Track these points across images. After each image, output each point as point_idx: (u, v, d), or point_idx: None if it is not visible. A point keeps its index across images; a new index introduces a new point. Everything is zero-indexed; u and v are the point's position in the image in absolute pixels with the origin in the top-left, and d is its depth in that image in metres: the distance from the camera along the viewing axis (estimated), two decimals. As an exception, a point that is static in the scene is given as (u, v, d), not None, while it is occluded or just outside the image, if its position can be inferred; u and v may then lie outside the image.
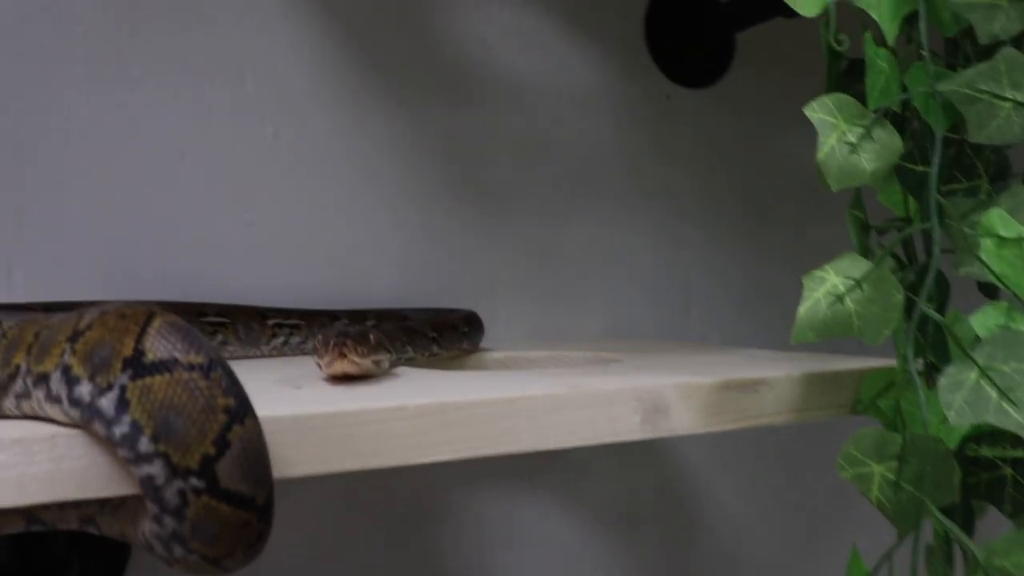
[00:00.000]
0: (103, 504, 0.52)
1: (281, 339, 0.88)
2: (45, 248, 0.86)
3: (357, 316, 0.92)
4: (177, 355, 0.44)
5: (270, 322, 0.88)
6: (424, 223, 1.01)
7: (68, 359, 0.45)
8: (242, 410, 0.44)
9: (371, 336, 0.62)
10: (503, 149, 1.05)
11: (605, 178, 1.10)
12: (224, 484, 0.43)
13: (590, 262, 1.10)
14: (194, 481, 0.43)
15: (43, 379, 0.46)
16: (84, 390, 0.44)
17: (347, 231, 0.98)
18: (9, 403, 0.48)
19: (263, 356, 0.86)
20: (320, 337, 0.62)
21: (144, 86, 0.89)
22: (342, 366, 0.59)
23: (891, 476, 0.58)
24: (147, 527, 0.45)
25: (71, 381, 0.45)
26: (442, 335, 0.80)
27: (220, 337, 0.87)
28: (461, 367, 0.87)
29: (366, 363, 0.60)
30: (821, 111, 0.59)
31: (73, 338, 0.46)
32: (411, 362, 0.75)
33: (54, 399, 0.45)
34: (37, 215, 0.85)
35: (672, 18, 1.12)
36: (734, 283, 1.17)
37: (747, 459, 1.16)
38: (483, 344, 1.02)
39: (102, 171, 0.88)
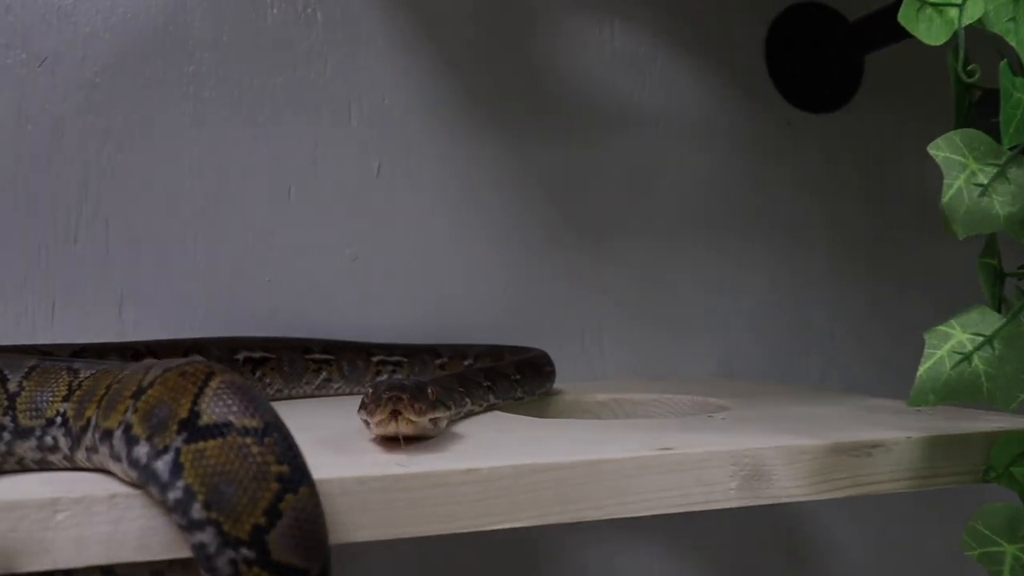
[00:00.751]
0: (173, 561, 0.51)
1: (385, 376, 0.87)
2: (155, 283, 0.87)
3: (457, 353, 0.90)
4: (232, 418, 0.42)
5: (375, 359, 0.87)
6: (529, 257, 0.98)
7: (130, 417, 0.44)
8: (296, 478, 0.42)
9: (429, 390, 0.54)
10: (613, 180, 1.01)
11: (720, 208, 1.05)
12: (275, 556, 0.41)
13: (702, 297, 1.04)
14: (245, 551, 0.41)
15: (108, 435, 0.45)
16: (142, 451, 0.43)
17: (451, 265, 0.96)
18: (81, 455, 0.48)
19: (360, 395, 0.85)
20: (369, 390, 0.54)
21: (253, 123, 0.90)
22: (396, 427, 0.51)
23: (1026, 560, 0.51)
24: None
25: (131, 440, 0.44)
26: (495, 383, 0.73)
27: (324, 374, 0.87)
28: (557, 409, 0.83)
29: (423, 422, 0.52)
30: (947, 149, 0.53)
31: (136, 395, 0.45)
32: (471, 415, 0.69)
33: (115, 457, 0.45)
34: (148, 251, 0.87)
35: (795, 40, 1.06)
36: (859, 321, 1.09)
37: (875, 511, 1.08)
38: (589, 380, 0.98)
39: (212, 207, 0.89)
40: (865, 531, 1.09)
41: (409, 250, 0.95)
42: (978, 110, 0.58)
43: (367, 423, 0.54)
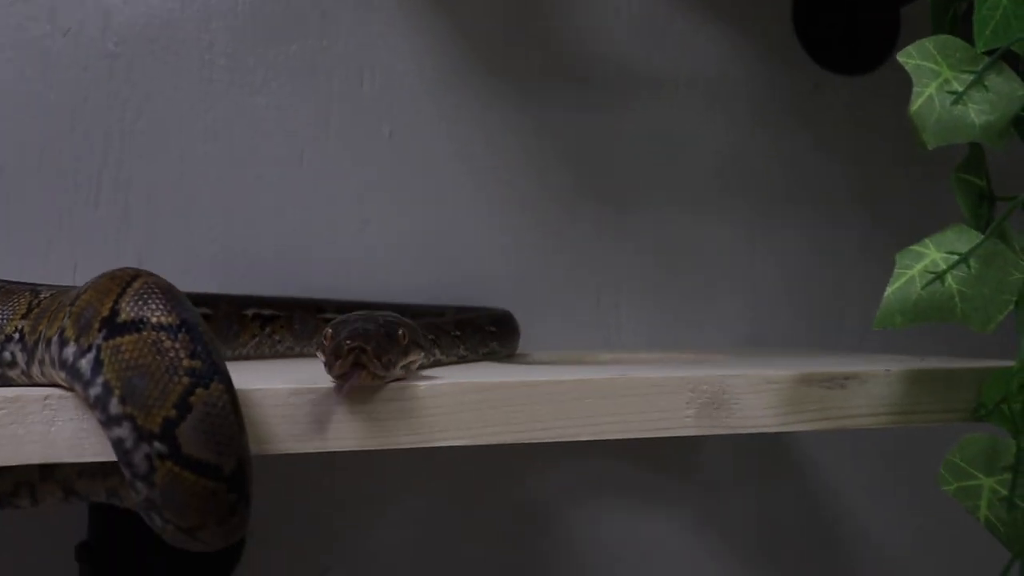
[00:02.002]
0: (124, 476, 0.51)
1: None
2: (172, 246, 0.89)
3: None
4: (148, 315, 0.42)
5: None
6: (545, 223, 0.97)
7: (65, 321, 0.45)
8: (208, 373, 0.42)
9: (400, 332, 0.48)
10: (632, 147, 0.99)
11: (746, 176, 1.02)
12: (186, 450, 0.41)
13: (727, 266, 1.01)
14: (158, 445, 0.41)
15: (49, 342, 0.46)
16: (70, 351, 0.44)
17: (464, 231, 0.95)
18: (36, 370, 0.49)
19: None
20: (329, 331, 0.48)
21: (267, 90, 0.91)
22: (357, 381, 0.45)
23: (1003, 491, 0.47)
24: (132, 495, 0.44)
25: (63, 343, 0.44)
26: (465, 333, 0.68)
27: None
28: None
29: (391, 376, 0.47)
30: (919, 56, 0.50)
31: (73, 301, 0.46)
32: (438, 365, 0.65)
33: (52, 362, 0.45)
34: (166, 215, 0.89)
35: (825, -2, 1.02)
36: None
37: (901, 484, 1.03)
38: (605, 350, 0.97)
39: (227, 171, 0.90)
40: (903, 523, 1.03)
41: (421, 215, 0.94)
42: (964, 24, 0.54)
43: (326, 366, 0.47)
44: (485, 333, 0.73)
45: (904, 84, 1.04)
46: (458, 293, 0.94)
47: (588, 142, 0.98)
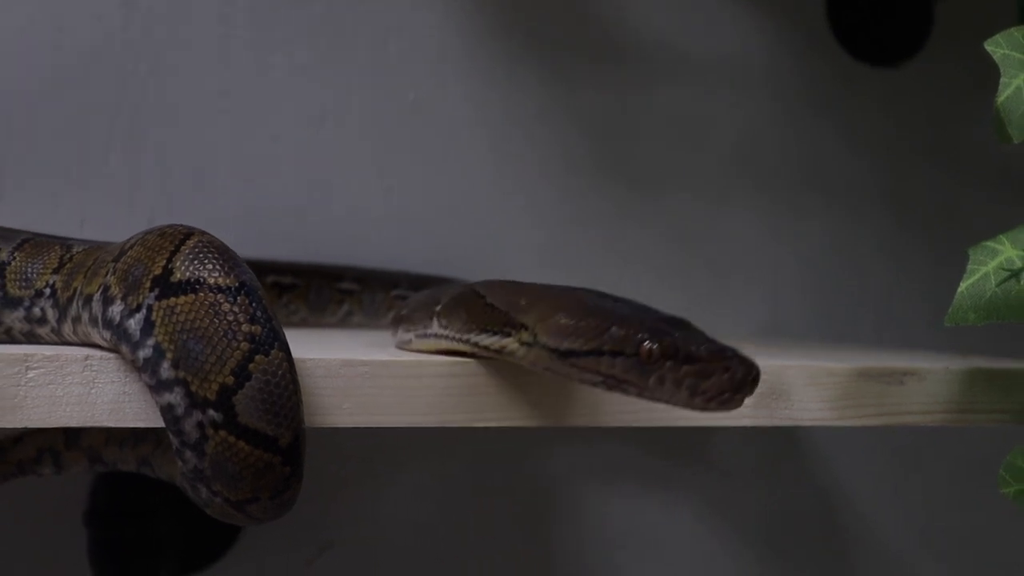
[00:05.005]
0: (158, 443, 0.49)
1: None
2: (185, 205, 0.86)
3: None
4: (205, 275, 0.40)
5: (392, 293, 0.85)
6: (566, 199, 0.95)
7: (109, 279, 0.43)
8: (268, 340, 0.39)
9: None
10: (657, 128, 0.97)
11: (772, 164, 1.01)
12: (243, 419, 0.39)
13: (749, 255, 1.00)
14: (212, 413, 0.39)
15: (89, 300, 0.44)
16: (116, 310, 0.41)
17: (486, 202, 0.93)
18: (68, 328, 0.47)
19: (381, 328, 0.83)
20: (691, 349, 0.39)
21: (287, 48, 0.89)
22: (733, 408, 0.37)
23: (1069, 497, 0.46)
24: (178, 465, 0.42)
25: (107, 301, 0.42)
26: None
27: (347, 306, 0.85)
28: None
29: None
30: (1007, 46, 0.49)
31: (118, 258, 0.43)
32: None
33: (93, 321, 0.43)
34: (179, 173, 0.86)
35: (859, -14, 1.00)
36: (918, 284, 1.03)
37: (916, 472, 1.03)
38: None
39: (244, 132, 0.88)
40: (911, 520, 1.03)
41: (444, 184, 0.92)
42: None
43: (682, 387, 0.38)
44: None
45: (938, 79, 1.04)
46: (477, 263, 0.92)
47: (612, 120, 0.96)
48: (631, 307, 0.43)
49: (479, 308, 0.44)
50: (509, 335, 0.42)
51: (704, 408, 0.39)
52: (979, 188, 1.04)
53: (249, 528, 0.84)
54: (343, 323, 0.85)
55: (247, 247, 0.86)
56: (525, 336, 0.42)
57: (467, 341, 0.45)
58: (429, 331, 0.47)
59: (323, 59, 0.90)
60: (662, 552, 0.97)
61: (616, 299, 0.44)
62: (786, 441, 1.01)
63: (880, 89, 1.03)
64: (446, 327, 0.46)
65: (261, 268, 0.81)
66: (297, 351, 0.46)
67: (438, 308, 0.47)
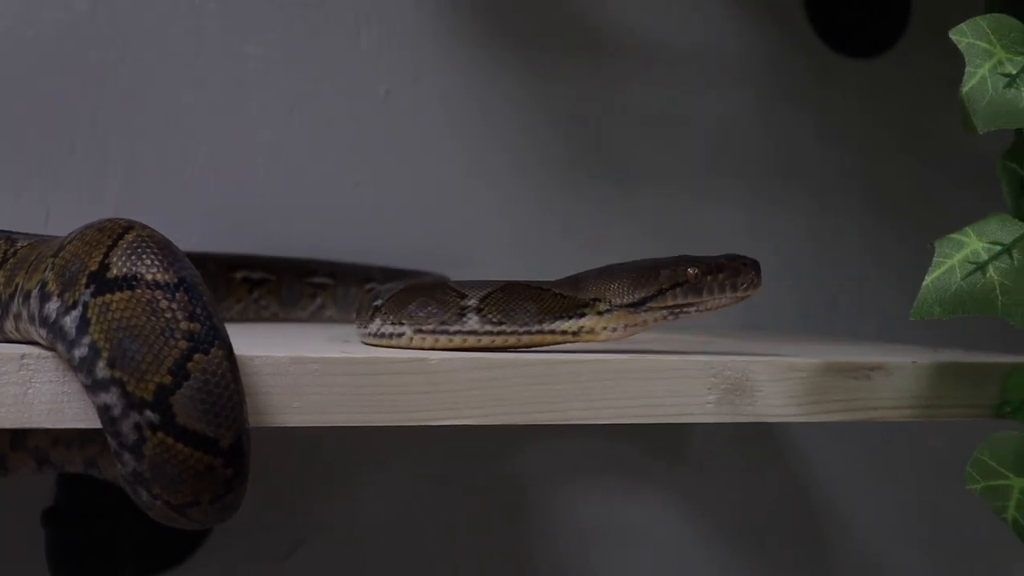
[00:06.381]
0: (105, 445, 0.48)
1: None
2: (152, 197, 0.85)
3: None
4: (143, 271, 0.39)
5: (365, 287, 0.84)
6: (540, 195, 0.94)
7: (47, 274, 0.41)
8: (208, 338, 0.38)
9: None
10: (633, 121, 0.96)
11: (748, 156, 1.00)
12: (181, 420, 0.37)
13: (726, 247, 0.98)
14: (149, 414, 0.38)
15: (28, 296, 0.42)
16: (53, 307, 0.40)
17: (457, 196, 0.92)
18: (10, 325, 0.45)
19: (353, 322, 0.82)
20: (690, 269, 0.53)
21: (259, 40, 0.87)
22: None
23: (1035, 494, 0.45)
24: (118, 468, 0.40)
25: (44, 298, 0.41)
26: None
27: (319, 300, 0.84)
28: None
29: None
30: (972, 35, 0.48)
31: (56, 253, 0.42)
32: None
33: (31, 318, 0.41)
34: (147, 166, 0.85)
35: (836, -23, 0.99)
36: (894, 279, 1.03)
37: (893, 468, 1.02)
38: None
39: (213, 122, 0.86)
40: (884, 514, 1.03)
41: (414, 179, 0.91)
42: (1017, 3, 0.52)
43: (726, 288, 0.52)
44: None
45: (915, 70, 1.03)
46: (448, 259, 0.91)
47: (587, 113, 0.95)
48: (646, 260, 0.56)
49: (549, 298, 0.51)
50: (583, 314, 0.51)
51: (744, 296, 0.53)
52: (956, 180, 1.03)
53: (218, 528, 0.83)
54: (315, 317, 0.84)
55: (216, 241, 0.87)
56: (601, 306, 0.52)
57: (539, 331, 0.50)
58: (464, 328, 0.50)
59: (294, 51, 0.88)
60: (639, 549, 0.96)
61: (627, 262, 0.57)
62: (763, 436, 1.00)
63: (857, 81, 1.02)
64: (499, 323, 0.50)
65: (231, 263, 0.81)
66: (251, 348, 0.45)
67: (472, 303, 0.50)
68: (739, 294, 0.52)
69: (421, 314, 0.50)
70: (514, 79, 0.93)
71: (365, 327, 0.54)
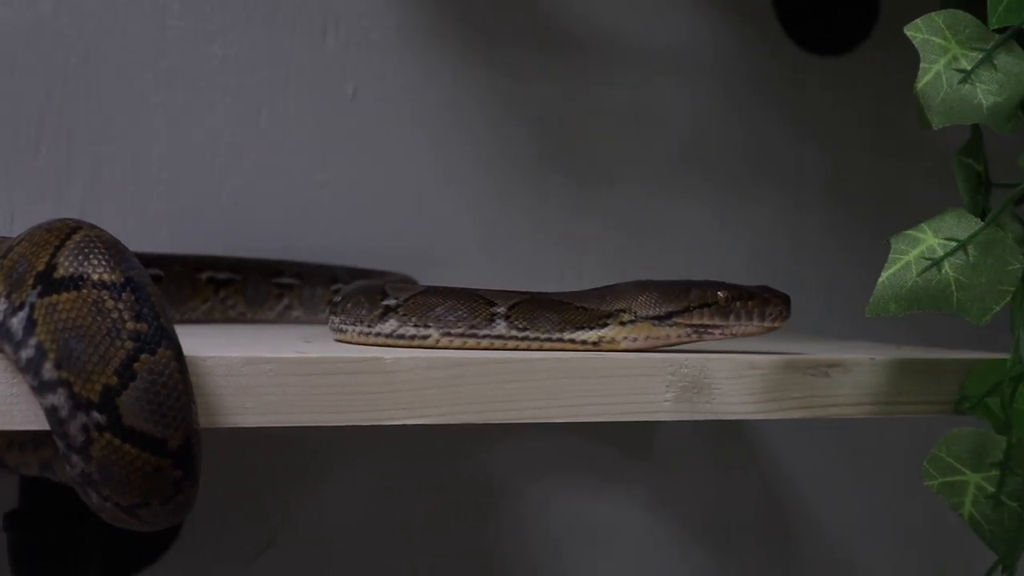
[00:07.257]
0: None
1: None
2: (117, 198, 0.85)
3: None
4: (89, 271, 0.38)
5: (332, 287, 0.84)
6: (508, 193, 0.94)
7: None
8: (155, 338, 0.38)
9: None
10: (603, 118, 0.96)
11: (719, 154, 1.00)
12: (128, 421, 0.37)
13: (695, 247, 0.99)
14: (96, 415, 0.37)
15: None
16: (0, 309, 0.39)
17: (425, 197, 0.92)
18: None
19: (320, 322, 0.82)
20: (720, 293, 0.53)
21: (224, 40, 0.87)
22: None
23: (990, 488, 0.46)
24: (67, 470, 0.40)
25: None
26: None
27: (286, 300, 0.84)
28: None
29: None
30: (927, 31, 0.48)
31: (5, 254, 0.41)
32: None
33: (-19, 321, 0.41)
34: (112, 165, 0.85)
35: (806, -25, 1.00)
36: (861, 275, 1.03)
37: (862, 468, 1.02)
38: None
39: (179, 123, 0.86)
40: (854, 511, 1.03)
41: (382, 179, 0.91)
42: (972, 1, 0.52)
43: (753, 316, 0.53)
44: None
45: (884, 68, 1.03)
46: (416, 260, 0.91)
47: (556, 112, 0.95)
48: (677, 280, 0.57)
49: (571, 311, 0.53)
50: (606, 325, 0.53)
51: (771, 327, 0.53)
52: (924, 176, 1.04)
53: (186, 529, 0.82)
54: (282, 317, 0.84)
55: (182, 242, 0.86)
56: (625, 316, 0.53)
57: (559, 339, 0.53)
58: (492, 332, 0.52)
59: (260, 50, 0.88)
60: (609, 546, 0.96)
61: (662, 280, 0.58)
62: (732, 433, 1.00)
63: (826, 78, 1.02)
64: (523, 328, 0.52)
65: (197, 263, 0.81)
66: (210, 348, 0.44)
67: (502, 311, 0.53)
68: (766, 324, 0.53)
69: (451, 318, 0.52)
70: (482, 77, 0.93)
71: (371, 327, 0.54)
